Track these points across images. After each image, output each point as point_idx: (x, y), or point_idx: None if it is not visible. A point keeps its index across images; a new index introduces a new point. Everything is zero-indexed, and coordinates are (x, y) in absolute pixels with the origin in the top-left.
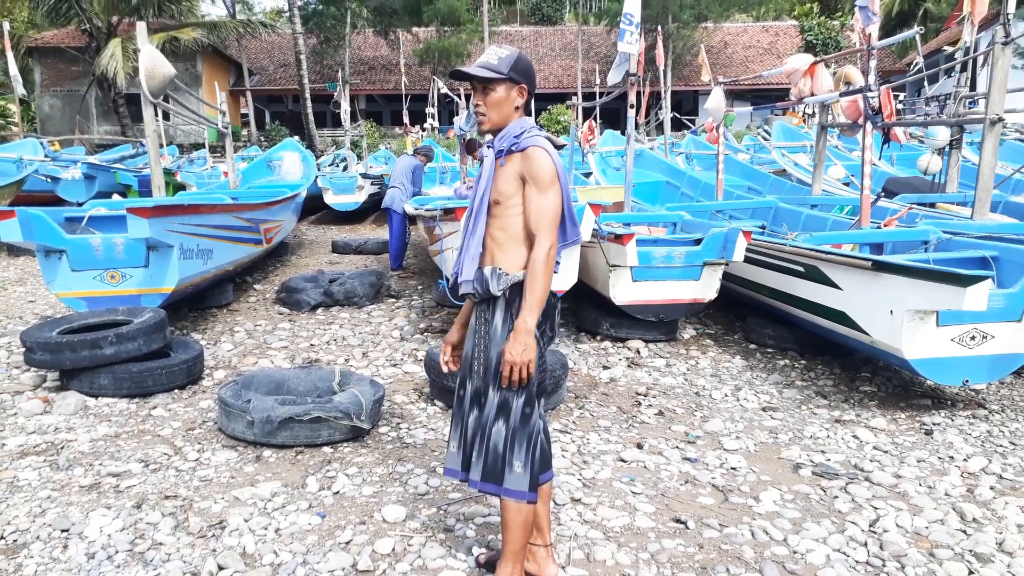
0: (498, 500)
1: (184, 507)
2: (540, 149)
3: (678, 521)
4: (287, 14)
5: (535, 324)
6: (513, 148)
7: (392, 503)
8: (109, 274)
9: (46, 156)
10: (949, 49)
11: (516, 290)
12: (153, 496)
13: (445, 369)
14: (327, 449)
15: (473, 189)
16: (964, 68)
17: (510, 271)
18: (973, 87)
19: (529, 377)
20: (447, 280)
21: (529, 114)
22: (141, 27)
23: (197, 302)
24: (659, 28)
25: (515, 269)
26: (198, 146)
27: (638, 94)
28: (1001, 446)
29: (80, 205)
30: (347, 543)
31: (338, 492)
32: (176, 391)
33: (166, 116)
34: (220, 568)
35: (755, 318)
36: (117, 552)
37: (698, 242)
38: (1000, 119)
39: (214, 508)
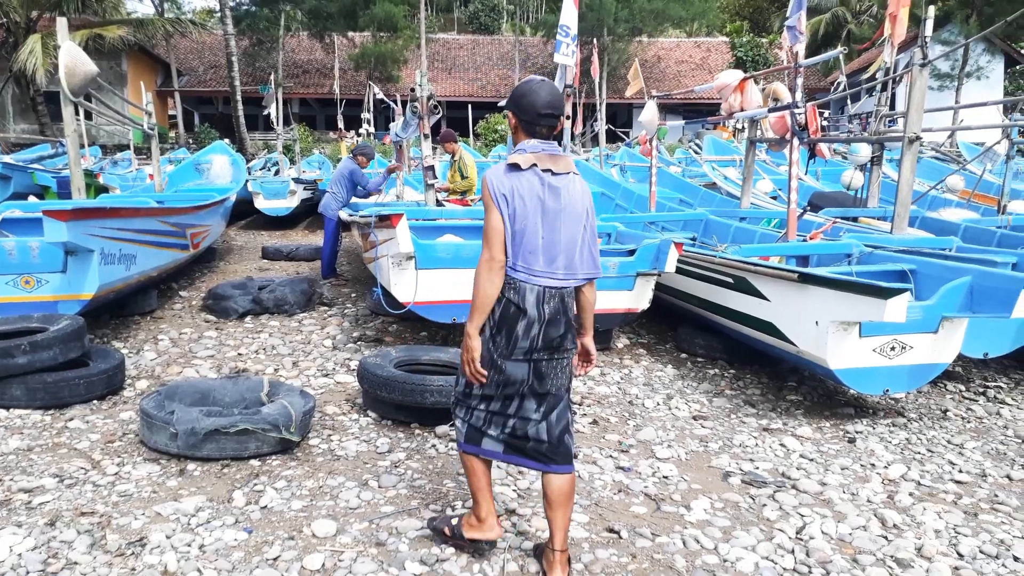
0: (428, 516)
1: (102, 524)
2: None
3: (611, 531)
4: (218, 14)
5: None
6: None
7: (322, 517)
8: (23, 279)
9: None
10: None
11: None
12: (68, 513)
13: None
14: (255, 462)
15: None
16: (884, 88)
17: None
18: (892, 106)
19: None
20: (382, 288)
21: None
22: (62, 23)
23: (119, 309)
24: (595, 41)
25: None
26: (123, 147)
27: (574, 105)
28: (919, 453)
29: None
30: (275, 559)
31: (266, 507)
32: (95, 402)
33: (88, 116)
34: None
35: (686, 328)
36: (28, 573)
37: (632, 253)
38: (918, 137)
39: (134, 524)
